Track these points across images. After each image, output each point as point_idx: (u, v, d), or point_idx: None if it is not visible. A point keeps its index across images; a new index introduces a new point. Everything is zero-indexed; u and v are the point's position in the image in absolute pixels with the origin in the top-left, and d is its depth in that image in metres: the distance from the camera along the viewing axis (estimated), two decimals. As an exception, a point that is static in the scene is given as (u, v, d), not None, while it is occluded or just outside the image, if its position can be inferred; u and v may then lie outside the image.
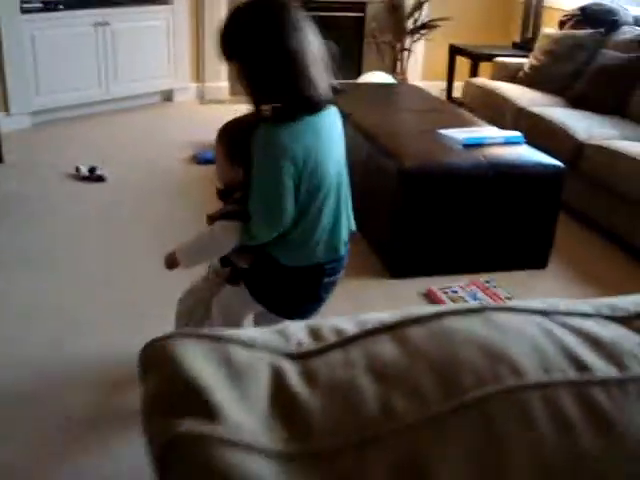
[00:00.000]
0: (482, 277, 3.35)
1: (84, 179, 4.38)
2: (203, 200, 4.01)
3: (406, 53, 6.48)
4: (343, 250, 2.09)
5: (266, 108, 1.88)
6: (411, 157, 3.22)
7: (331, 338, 0.74)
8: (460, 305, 0.83)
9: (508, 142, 3.51)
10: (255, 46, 1.84)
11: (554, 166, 3.35)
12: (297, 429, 0.62)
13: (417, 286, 3.25)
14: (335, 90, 1.95)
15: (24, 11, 5.10)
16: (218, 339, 0.71)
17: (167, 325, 2.71)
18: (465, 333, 0.72)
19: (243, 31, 1.86)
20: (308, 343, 0.74)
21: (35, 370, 2.50)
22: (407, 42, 6.44)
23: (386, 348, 0.70)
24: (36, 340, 2.67)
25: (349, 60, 6.73)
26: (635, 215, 3.62)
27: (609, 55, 4.60)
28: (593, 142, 3.91)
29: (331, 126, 1.97)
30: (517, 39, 6.08)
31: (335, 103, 1.98)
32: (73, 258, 3.37)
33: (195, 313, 2.32)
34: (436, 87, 6.30)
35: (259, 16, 1.87)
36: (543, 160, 3.37)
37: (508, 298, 3.15)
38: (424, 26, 6.31)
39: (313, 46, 1.87)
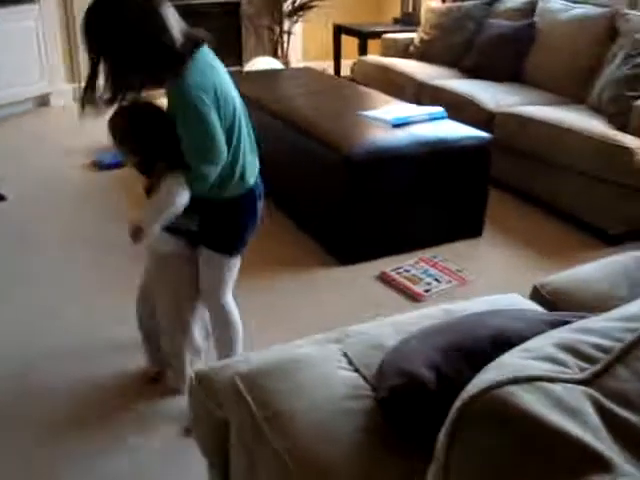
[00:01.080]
0: (427, 253, 3.41)
1: (-20, 199, 4.05)
2: (113, 206, 3.84)
3: (286, 36, 6.43)
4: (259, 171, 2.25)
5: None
6: (350, 144, 3.20)
7: (597, 354, 0.72)
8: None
9: (432, 118, 3.57)
10: (124, 36, 1.91)
11: (481, 137, 3.46)
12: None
13: (369, 270, 3.26)
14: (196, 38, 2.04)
15: None
16: (527, 380, 0.67)
17: (90, 333, 2.68)
18: None
19: (105, 27, 1.92)
20: (582, 365, 0.71)
21: None
22: (286, 25, 6.39)
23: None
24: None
25: (228, 47, 6.59)
26: (551, 176, 3.81)
27: (496, 24, 4.78)
28: (502, 110, 4.06)
29: (217, 61, 2.11)
30: (397, 15, 6.18)
31: (204, 41, 2.06)
32: None
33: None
34: (319, 68, 6.30)
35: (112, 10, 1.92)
36: (470, 133, 3.46)
37: (459, 270, 3.23)
38: (302, 7, 6.28)
39: (164, 12, 1.94)
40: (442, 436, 0.73)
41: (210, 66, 2.03)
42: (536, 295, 2.13)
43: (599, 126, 3.65)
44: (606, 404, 0.66)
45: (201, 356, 2.37)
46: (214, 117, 1.97)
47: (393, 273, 3.19)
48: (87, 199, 4.06)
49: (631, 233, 3.55)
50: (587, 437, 0.62)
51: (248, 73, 5.00)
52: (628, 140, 3.46)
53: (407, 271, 3.21)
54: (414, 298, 3.02)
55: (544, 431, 0.62)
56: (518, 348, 0.79)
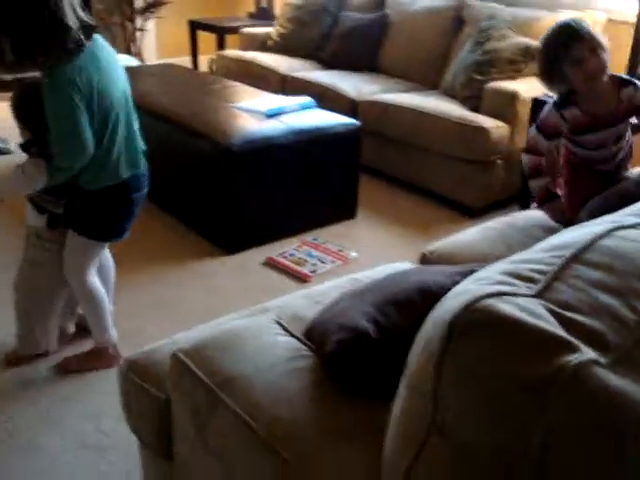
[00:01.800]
0: (307, 236, 3.55)
1: None
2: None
3: (139, 33, 6.36)
4: (142, 165, 2.37)
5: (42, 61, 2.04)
6: (227, 135, 3.27)
7: (537, 276, 0.86)
8: (597, 223, 0.99)
9: (304, 107, 3.71)
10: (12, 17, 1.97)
11: (351, 124, 3.64)
12: (598, 345, 0.76)
13: (254, 257, 3.35)
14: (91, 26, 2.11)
15: None
16: (496, 295, 0.80)
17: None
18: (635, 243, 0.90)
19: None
20: (527, 285, 0.85)
21: None
22: (139, 22, 6.32)
23: (589, 272, 0.86)
24: None
25: (79, 46, 6.44)
26: (414, 158, 4.06)
27: (350, 17, 4.99)
28: (364, 98, 4.27)
29: (105, 53, 2.17)
30: (251, 9, 6.27)
31: (96, 32, 2.15)
32: None
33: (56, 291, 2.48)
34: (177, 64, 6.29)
35: None
36: (340, 120, 3.63)
37: (340, 250, 3.39)
38: (154, 4, 6.23)
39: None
40: (426, 358, 0.85)
41: (92, 59, 2.07)
42: (425, 261, 2.32)
43: (456, 109, 3.93)
44: (555, 309, 0.80)
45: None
46: (83, 117, 2.05)
47: (279, 257, 3.30)
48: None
49: (490, 205, 3.87)
50: (555, 329, 0.77)
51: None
52: (482, 120, 3.76)
53: (292, 255, 3.33)
54: (302, 279, 3.15)
55: (523, 329, 0.76)
56: (469, 279, 0.92)
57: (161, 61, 6.30)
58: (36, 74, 2.14)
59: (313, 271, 3.20)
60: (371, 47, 4.84)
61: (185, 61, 6.31)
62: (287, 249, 3.39)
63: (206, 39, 6.25)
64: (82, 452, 2.15)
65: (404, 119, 4.03)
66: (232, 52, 5.39)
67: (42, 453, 2.13)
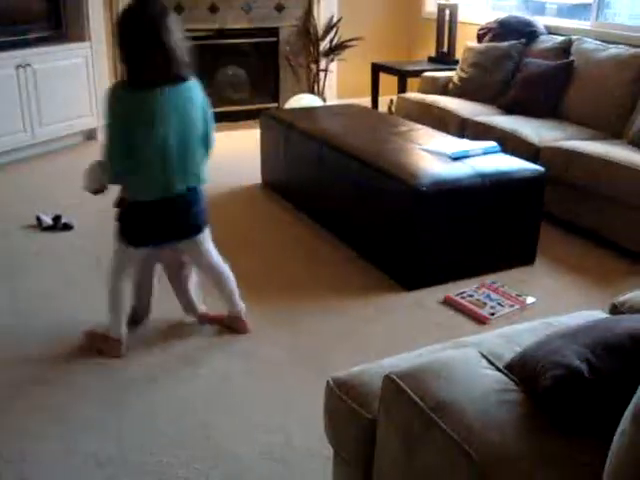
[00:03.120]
0: (485, 279, 3.58)
1: (48, 229, 4.23)
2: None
3: (322, 74, 6.69)
4: (176, 193, 2.71)
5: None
6: (415, 176, 3.40)
7: None
8: None
9: (487, 152, 3.77)
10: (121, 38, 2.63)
11: (535, 170, 3.66)
12: None
13: (433, 295, 3.43)
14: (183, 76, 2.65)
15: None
16: None
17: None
18: None
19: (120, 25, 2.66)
20: None
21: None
22: (322, 63, 6.66)
23: None
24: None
25: (266, 85, 6.86)
26: (595, 207, 4.00)
27: (534, 63, 5.02)
28: (546, 144, 4.27)
29: (181, 100, 2.64)
30: (430, 54, 6.43)
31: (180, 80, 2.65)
32: (78, 310, 3.29)
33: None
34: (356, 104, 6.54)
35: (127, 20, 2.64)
36: (525, 166, 3.66)
37: (519, 295, 3.40)
38: (338, 47, 6.54)
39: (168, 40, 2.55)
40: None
41: (156, 101, 2.58)
42: (615, 311, 2.31)
43: (643, 159, 3.85)
44: None
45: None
46: (115, 130, 2.61)
47: (457, 297, 3.36)
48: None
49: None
50: None
51: (301, 109, 5.21)
52: (674, 173, 3.66)
53: (470, 296, 3.38)
54: (480, 321, 3.19)
55: None
56: None
57: (341, 101, 6.60)
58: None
59: (492, 314, 3.23)
60: (554, 94, 4.84)
61: (363, 101, 6.53)
62: (465, 290, 3.45)
63: (385, 81, 6.46)
64: (268, 463, 2.30)
65: (589, 167, 3.99)
66: (413, 94, 5.55)
67: (230, 461, 2.30)
